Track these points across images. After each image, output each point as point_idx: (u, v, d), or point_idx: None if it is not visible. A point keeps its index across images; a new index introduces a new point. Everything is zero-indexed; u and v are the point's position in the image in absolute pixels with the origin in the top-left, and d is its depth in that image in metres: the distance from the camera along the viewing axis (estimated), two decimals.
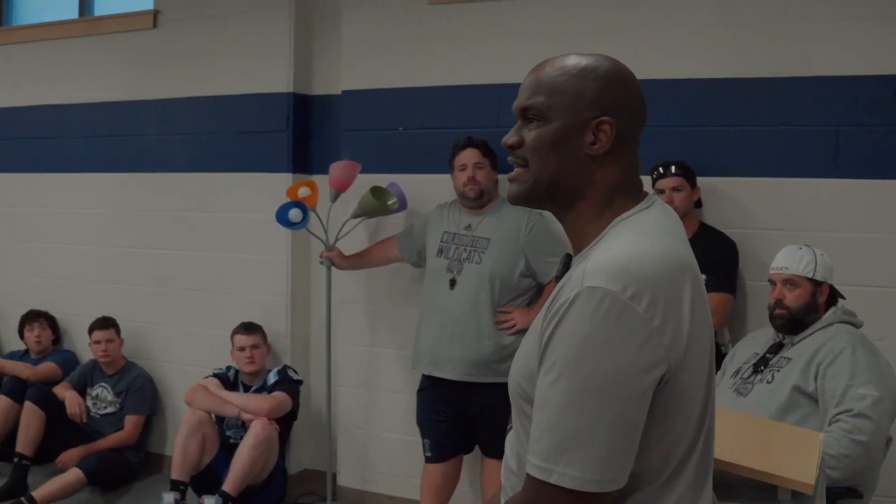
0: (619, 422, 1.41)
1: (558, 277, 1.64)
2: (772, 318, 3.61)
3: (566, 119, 1.62)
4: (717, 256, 4.25)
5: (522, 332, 4.19)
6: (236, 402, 5.06)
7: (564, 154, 1.62)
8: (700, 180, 4.36)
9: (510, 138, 1.68)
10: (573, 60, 1.65)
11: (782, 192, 4.37)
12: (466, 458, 4.66)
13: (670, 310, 1.44)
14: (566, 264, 1.66)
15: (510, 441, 1.72)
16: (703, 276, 4.12)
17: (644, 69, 4.52)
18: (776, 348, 3.60)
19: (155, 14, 5.86)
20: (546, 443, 1.43)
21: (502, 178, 4.49)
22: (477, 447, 4.58)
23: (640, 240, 1.52)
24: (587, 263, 1.48)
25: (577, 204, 1.64)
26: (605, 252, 1.50)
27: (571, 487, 1.40)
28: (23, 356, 6.14)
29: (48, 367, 5.90)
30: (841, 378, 3.27)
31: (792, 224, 4.33)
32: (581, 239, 1.64)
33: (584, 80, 1.62)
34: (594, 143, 1.61)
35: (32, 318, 6.12)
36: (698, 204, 4.42)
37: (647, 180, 4.33)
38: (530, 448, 1.47)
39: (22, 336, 6.15)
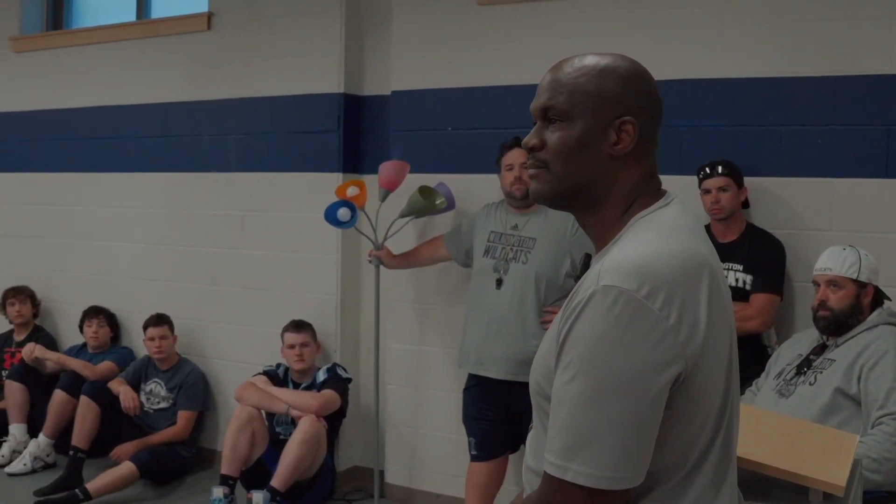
0: (635, 420, 1.41)
1: (578, 277, 1.65)
2: (815, 319, 3.58)
3: (589, 120, 1.60)
4: (764, 257, 4.23)
5: None
6: (286, 398, 5.12)
7: (588, 155, 1.61)
8: (747, 180, 4.33)
9: (531, 140, 1.66)
10: (592, 60, 1.64)
11: (831, 193, 4.32)
12: (512, 457, 4.66)
13: (686, 308, 1.44)
14: (586, 264, 1.68)
15: (531, 440, 1.73)
16: (750, 277, 4.13)
17: (692, 69, 4.57)
18: (820, 350, 3.57)
19: (209, 16, 5.95)
20: (562, 441, 1.44)
21: None
22: (522, 446, 4.59)
23: (657, 238, 1.52)
24: (603, 262, 1.49)
25: (600, 205, 1.63)
26: (622, 251, 1.51)
27: (587, 485, 1.41)
28: (80, 350, 6.28)
29: (107, 366, 6.00)
30: (884, 380, 3.24)
31: (840, 225, 4.29)
32: (602, 239, 1.65)
33: (605, 79, 1.61)
34: (617, 144, 1.60)
35: (92, 314, 6.23)
36: (745, 204, 4.39)
37: (693, 180, 4.32)
38: (547, 446, 1.48)
39: (81, 330, 6.27)
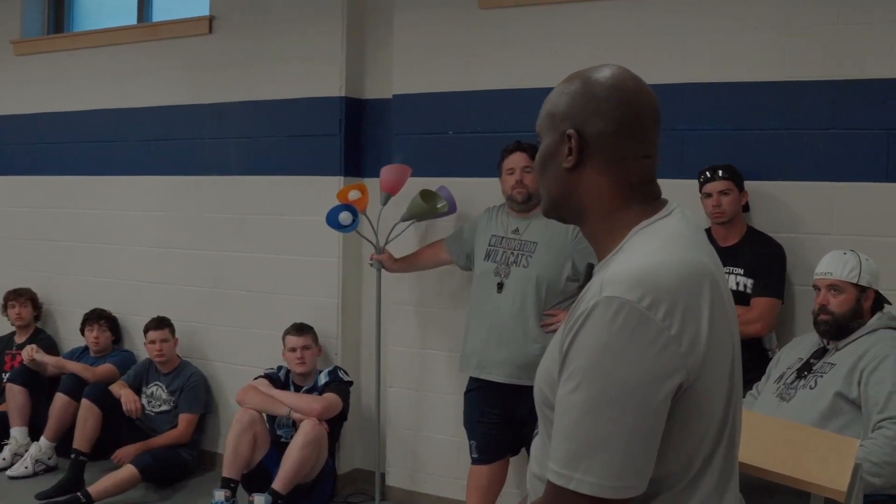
0: (638, 429, 1.42)
1: (581, 287, 1.66)
2: (816, 323, 3.60)
3: (549, 136, 1.68)
4: (764, 261, 4.24)
5: None
6: (287, 401, 5.13)
7: (550, 171, 1.69)
8: (748, 184, 4.34)
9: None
10: (567, 78, 1.70)
11: (832, 197, 4.33)
12: (513, 461, 4.67)
13: (688, 318, 1.45)
14: (589, 274, 1.69)
15: (535, 447, 1.75)
16: (751, 281, 4.15)
17: (694, 73, 4.59)
18: (820, 354, 3.58)
19: (211, 20, 5.96)
20: (565, 450, 1.45)
21: None
22: (523, 449, 4.60)
23: (659, 249, 1.53)
24: (605, 273, 1.50)
25: (584, 218, 1.68)
26: (623, 262, 1.52)
27: (590, 494, 1.42)
28: (81, 353, 6.30)
29: (107, 368, 6.02)
30: (884, 384, 3.25)
31: (841, 229, 4.30)
32: (602, 249, 1.66)
33: (560, 96, 1.67)
34: (568, 156, 1.64)
35: (93, 318, 6.24)
36: (746, 208, 4.40)
37: (695, 184, 4.33)
38: (550, 454, 1.49)
39: (83, 334, 6.28)
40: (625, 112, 1.63)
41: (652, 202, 1.66)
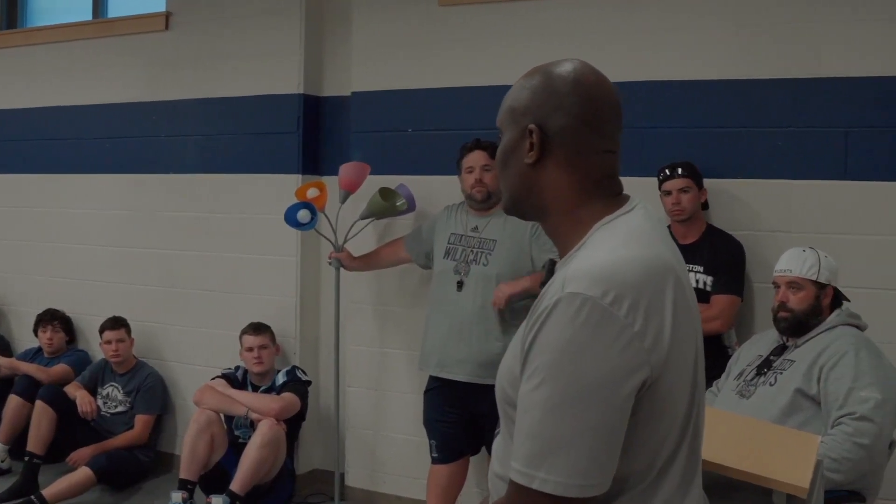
0: (601, 427, 1.41)
1: (543, 283, 1.64)
2: (776, 320, 3.60)
3: (510, 131, 1.66)
4: (724, 258, 4.26)
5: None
6: (245, 401, 5.09)
7: (511, 167, 1.67)
8: (707, 182, 4.36)
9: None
10: (526, 73, 1.68)
11: (790, 194, 4.36)
12: (473, 460, 4.66)
13: (651, 314, 1.44)
14: (551, 270, 1.67)
15: (497, 446, 1.73)
16: (710, 278, 4.17)
17: (653, 71, 4.60)
18: (780, 350, 3.59)
19: (167, 16, 5.90)
20: (528, 448, 1.43)
21: None
22: (484, 448, 4.59)
23: (621, 244, 1.51)
24: (568, 269, 1.48)
25: (546, 214, 1.66)
26: (586, 258, 1.50)
27: (554, 493, 1.40)
28: (35, 355, 6.21)
29: (61, 368, 5.95)
30: (844, 381, 3.26)
31: (800, 226, 4.32)
32: (563, 245, 1.64)
33: (521, 91, 1.65)
34: (530, 151, 1.62)
35: (47, 319, 6.16)
36: (705, 206, 4.42)
37: (654, 181, 4.34)
38: (513, 453, 1.47)
39: (36, 335, 6.19)
40: (586, 107, 1.61)
41: (614, 198, 1.65)
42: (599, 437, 1.41)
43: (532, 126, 1.60)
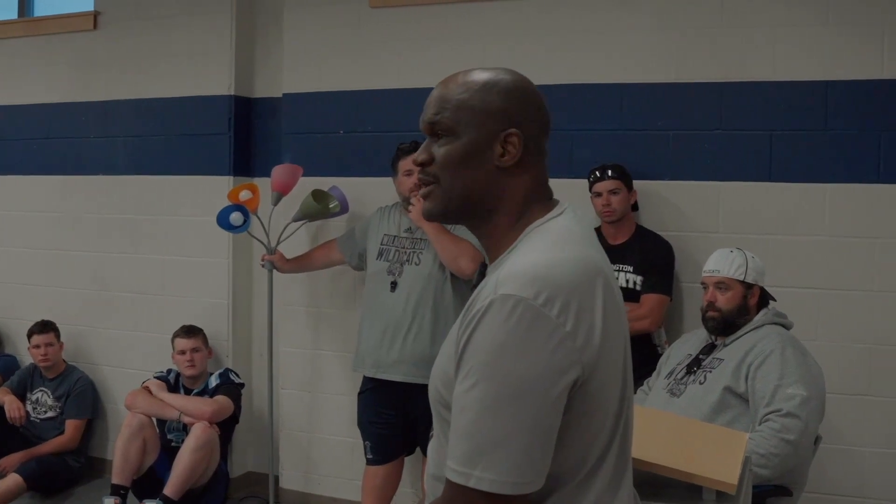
0: (535, 425, 1.43)
1: (474, 286, 1.66)
2: (704, 320, 3.67)
3: (474, 134, 1.64)
4: (653, 258, 4.32)
5: None
6: (177, 404, 5.05)
7: (474, 168, 1.65)
8: (637, 183, 4.42)
9: (420, 156, 1.70)
10: (476, 75, 1.67)
11: (718, 196, 4.44)
12: (408, 460, 4.68)
13: (582, 314, 1.47)
14: (482, 273, 1.69)
15: (432, 448, 1.75)
16: (640, 278, 4.23)
17: (583, 74, 4.64)
18: (709, 349, 3.66)
19: (95, 15, 5.83)
20: (463, 448, 1.45)
21: None
22: (419, 449, 4.60)
23: (552, 247, 1.55)
24: (500, 272, 1.51)
25: (492, 217, 1.67)
26: (518, 260, 1.53)
27: (489, 490, 1.42)
28: None
29: None
30: (770, 378, 3.34)
31: (727, 227, 4.41)
32: (496, 249, 1.67)
33: (488, 94, 1.65)
34: (503, 156, 1.63)
35: None
36: (635, 207, 4.48)
37: (584, 183, 4.38)
38: (448, 453, 1.49)
39: None
40: (543, 112, 1.69)
41: (547, 202, 1.69)
42: (533, 435, 1.43)
43: (514, 130, 1.62)
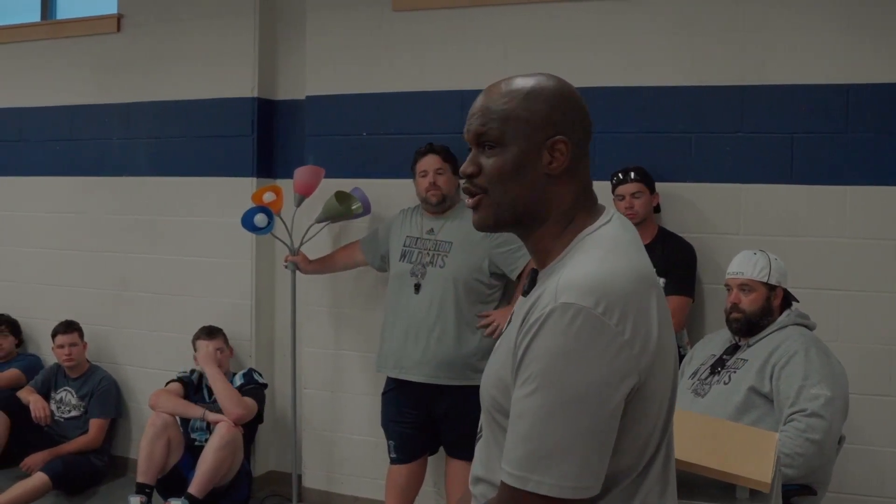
0: (594, 432, 1.47)
1: (525, 292, 1.69)
2: (728, 321, 3.71)
3: (522, 143, 1.65)
4: (675, 260, 4.35)
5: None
6: (219, 395, 5.10)
7: (525, 178, 1.66)
8: (659, 186, 4.46)
9: (468, 167, 1.71)
10: (519, 83, 1.69)
11: (739, 198, 4.48)
12: (431, 459, 4.71)
13: (639, 322, 1.51)
14: (532, 279, 1.72)
15: (479, 449, 1.78)
16: (662, 280, 4.26)
17: (605, 77, 4.67)
18: (732, 350, 3.70)
19: (119, 18, 5.87)
20: (521, 452, 1.48)
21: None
22: (441, 448, 4.64)
23: (607, 255, 1.58)
24: (559, 280, 1.54)
25: (541, 224, 1.69)
26: (576, 268, 1.56)
27: (549, 494, 1.46)
28: None
29: (12, 374, 5.89)
30: (795, 379, 3.37)
31: (748, 229, 4.45)
32: (545, 256, 1.70)
33: (533, 102, 1.66)
34: (552, 163, 1.65)
35: None
36: (657, 209, 4.52)
37: (606, 186, 4.42)
38: (505, 457, 1.52)
39: None
40: (586, 117, 1.71)
41: (592, 207, 1.72)
42: (592, 441, 1.47)
43: (561, 138, 1.64)
